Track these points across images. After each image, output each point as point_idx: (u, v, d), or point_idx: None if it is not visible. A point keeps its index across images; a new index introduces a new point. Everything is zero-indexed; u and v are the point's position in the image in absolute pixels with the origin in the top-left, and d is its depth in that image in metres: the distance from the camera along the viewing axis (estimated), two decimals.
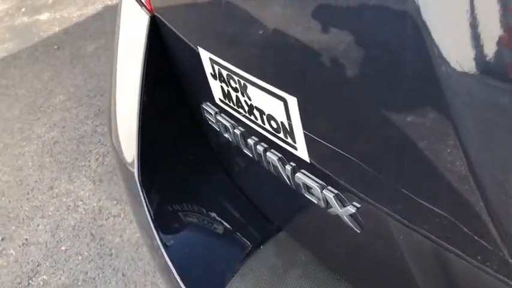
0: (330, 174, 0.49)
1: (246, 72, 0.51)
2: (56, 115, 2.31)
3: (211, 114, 0.65)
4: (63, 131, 2.19)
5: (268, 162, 0.57)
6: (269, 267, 0.59)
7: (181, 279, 0.58)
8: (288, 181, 0.55)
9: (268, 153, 0.56)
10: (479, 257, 0.35)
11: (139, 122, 0.63)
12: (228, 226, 0.66)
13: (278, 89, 0.47)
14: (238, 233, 0.65)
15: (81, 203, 1.77)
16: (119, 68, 0.71)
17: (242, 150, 0.62)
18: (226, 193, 0.71)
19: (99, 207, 1.73)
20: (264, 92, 0.49)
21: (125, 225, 1.64)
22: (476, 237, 0.34)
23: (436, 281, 0.45)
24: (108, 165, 1.93)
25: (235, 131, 0.61)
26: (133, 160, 0.65)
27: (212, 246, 0.65)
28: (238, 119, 0.59)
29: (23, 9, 3.68)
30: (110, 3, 3.48)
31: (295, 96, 0.45)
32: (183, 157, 0.71)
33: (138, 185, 0.65)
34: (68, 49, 2.93)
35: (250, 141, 0.59)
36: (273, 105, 0.49)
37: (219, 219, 0.66)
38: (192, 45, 0.59)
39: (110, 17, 3.25)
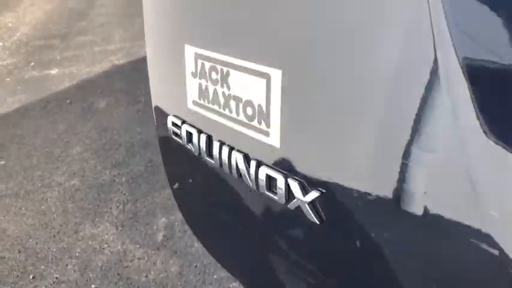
0: (300, 158, 0.51)
1: (231, 56, 0.54)
2: (74, 165, 2.52)
3: (177, 125, 0.69)
4: (83, 179, 2.39)
5: (231, 165, 0.59)
6: None
7: None
8: (249, 180, 0.58)
9: (233, 153, 0.59)
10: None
11: None
12: None
13: (262, 65, 0.50)
14: None
15: (106, 245, 1.96)
16: None
17: (202, 166, 0.66)
18: None
19: (123, 250, 1.93)
20: (246, 74, 0.53)
21: (149, 266, 1.84)
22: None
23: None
24: (128, 212, 2.14)
25: (202, 136, 0.64)
26: None
27: None
28: (208, 120, 0.62)
29: (32, 64, 3.94)
30: (116, 62, 3.80)
31: (279, 68, 0.48)
32: None
33: None
34: (80, 104, 3.18)
35: (216, 144, 0.61)
36: (254, 87, 0.52)
37: None
38: (178, 44, 0.64)
39: (118, 76, 3.55)
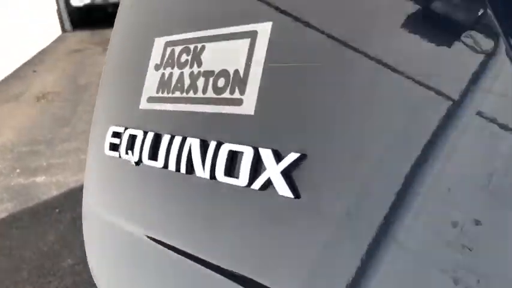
0: (277, 122, 0.46)
1: (211, 28, 0.54)
2: (67, 279, 2.56)
3: (118, 133, 0.69)
4: None
5: (180, 158, 0.56)
6: None
7: None
8: (203, 169, 0.53)
9: (187, 141, 0.55)
10: None
11: None
12: None
13: (249, 23, 0.48)
14: None
15: None
16: None
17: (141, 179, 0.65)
18: None
19: None
20: (225, 42, 0.52)
21: None
22: None
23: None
24: None
25: (148, 135, 0.62)
26: None
27: None
28: (163, 114, 0.61)
29: (18, 170, 4.03)
30: None
31: (270, 20, 0.46)
32: None
33: None
34: (70, 213, 3.26)
35: (166, 138, 0.59)
36: (233, 53, 0.51)
37: None
38: (143, 43, 0.66)
39: None
